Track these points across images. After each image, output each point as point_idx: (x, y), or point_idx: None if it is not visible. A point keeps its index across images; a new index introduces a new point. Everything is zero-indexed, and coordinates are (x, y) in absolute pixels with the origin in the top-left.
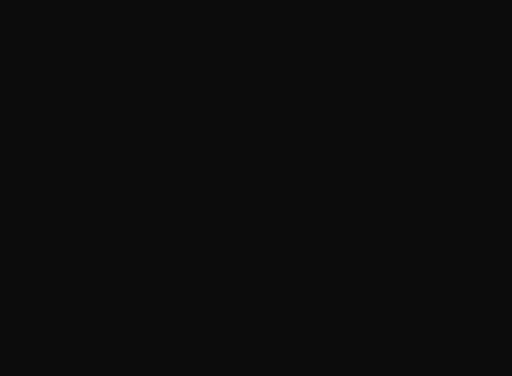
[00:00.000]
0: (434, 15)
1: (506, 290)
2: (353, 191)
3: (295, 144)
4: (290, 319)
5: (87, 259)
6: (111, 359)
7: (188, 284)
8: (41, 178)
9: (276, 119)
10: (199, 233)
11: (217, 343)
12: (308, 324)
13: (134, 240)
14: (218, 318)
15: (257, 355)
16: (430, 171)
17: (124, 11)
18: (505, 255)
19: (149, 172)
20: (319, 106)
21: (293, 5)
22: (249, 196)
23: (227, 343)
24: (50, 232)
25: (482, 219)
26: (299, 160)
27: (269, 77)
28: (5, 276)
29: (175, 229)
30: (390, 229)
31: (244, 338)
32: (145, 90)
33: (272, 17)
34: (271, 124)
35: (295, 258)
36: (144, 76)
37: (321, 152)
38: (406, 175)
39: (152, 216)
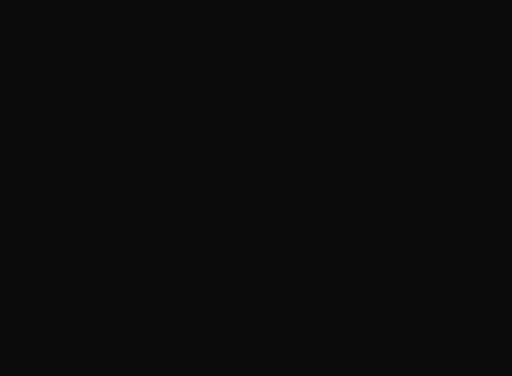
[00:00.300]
0: (434, 15)
1: (506, 290)
2: (353, 191)
3: (295, 144)
4: (290, 320)
5: (87, 259)
6: (111, 359)
7: (188, 284)
8: (41, 179)
9: (276, 119)
10: (199, 233)
11: (217, 343)
12: (308, 324)
13: (134, 240)
14: (218, 318)
15: (257, 355)
16: (430, 171)
17: (124, 11)
18: (505, 255)
19: (149, 172)
20: (318, 106)
21: (293, 5)
22: (249, 196)
23: (227, 343)
24: (50, 232)
25: (482, 219)
26: (299, 160)
27: (269, 77)
28: (5, 276)
29: (175, 229)
30: (390, 229)
31: (244, 338)
32: (145, 90)
33: (272, 17)
34: (271, 124)
35: (295, 258)
36: (144, 76)
37: (321, 152)
38: (406, 175)
39: (152, 216)
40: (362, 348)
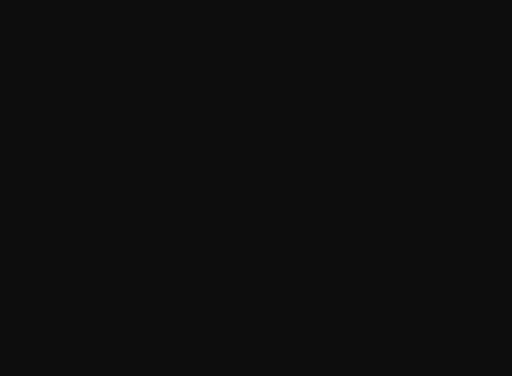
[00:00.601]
0: (434, 15)
1: (506, 290)
2: (353, 191)
3: (295, 144)
4: (290, 320)
5: (87, 259)
6: (111, 359)
7: (188, 284)
8: (41, 179)
9: (276, 119)
10: (199, 233)
11: (217, 343)
12: (308, 324)
13: (134, 240)
14: (218, 318)
15: (257, 355)
16: (430, 171)
17: (124, 11)
18: (505, 255)
19: (149, 172)
20: (318, 106)
21: (293, 5)
22: (249, 196)
23: (227, 343)
24: (50, 232)
25: (482, 219)
26: (299, 161)
27: (269, 77)
28: (5, 276)
29: (175, 229)
30: (390, 230)
31: (244, 338)
32: (145, 90)
33: (272, 17)
34: (271, 125)
35: (295, 258)
36: (144, 76)
37: (321, 152)
38: (406, 175)
39: (152, 216)
40: (362, 348)
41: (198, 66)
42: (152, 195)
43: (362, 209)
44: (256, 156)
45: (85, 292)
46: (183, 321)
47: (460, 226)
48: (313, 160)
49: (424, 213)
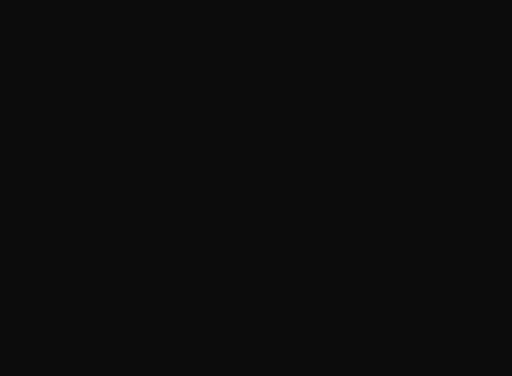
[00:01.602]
0: (434, 15)
1: (506, 290)
2: (353, 191)
3: (295, 144)
4: (290, 320)
5: (87, 259)
6: (111, 359)
7: (188, 284)
8: (41, 179)
9: (276, 119)
10: (199, 233)
11: (217, 343)
12: (308, 324)
13: (134, 240)
14: (218, 318)
15: (257, 355)
16: (430, 172)
17: (124, 11)
18: (505, 255)
19: (149, 172)
20: (318, 106)
21: (293, 5)
22: (249, 196)
23: (227, 343)
24: (50, 232)
25: (482, 219)
26: (299, 161)
27: (269, 77)
28: (5, 276)
29: (175, 229)
30: (390, 230)
31: (244, 338)
32: (145, 90)
33: (272, 17)
34: (271, 125)
35: (295, 258)
36: (144, 76)
37: (321, 152)
38: (406, 175)
39: (152, 216)
40: (362, 348)
41: (198, 67)
42: (152, 195)
43: (362, 209)
44: (256, 156)
45: (85, 292)
46: (183, 321)
47: (460, 226)
48: (313, 160)
49: (424, 213)
